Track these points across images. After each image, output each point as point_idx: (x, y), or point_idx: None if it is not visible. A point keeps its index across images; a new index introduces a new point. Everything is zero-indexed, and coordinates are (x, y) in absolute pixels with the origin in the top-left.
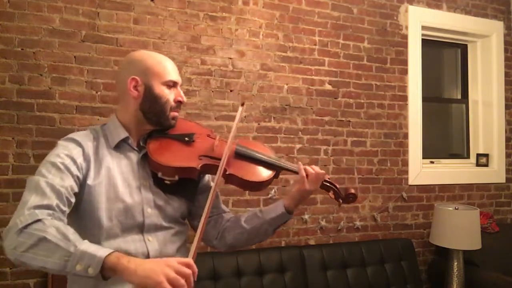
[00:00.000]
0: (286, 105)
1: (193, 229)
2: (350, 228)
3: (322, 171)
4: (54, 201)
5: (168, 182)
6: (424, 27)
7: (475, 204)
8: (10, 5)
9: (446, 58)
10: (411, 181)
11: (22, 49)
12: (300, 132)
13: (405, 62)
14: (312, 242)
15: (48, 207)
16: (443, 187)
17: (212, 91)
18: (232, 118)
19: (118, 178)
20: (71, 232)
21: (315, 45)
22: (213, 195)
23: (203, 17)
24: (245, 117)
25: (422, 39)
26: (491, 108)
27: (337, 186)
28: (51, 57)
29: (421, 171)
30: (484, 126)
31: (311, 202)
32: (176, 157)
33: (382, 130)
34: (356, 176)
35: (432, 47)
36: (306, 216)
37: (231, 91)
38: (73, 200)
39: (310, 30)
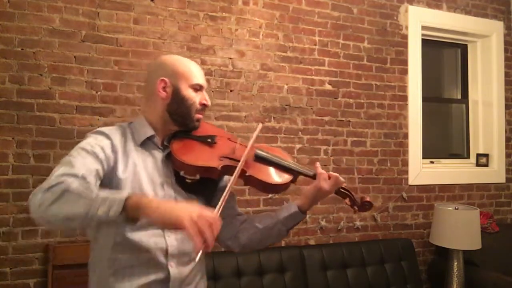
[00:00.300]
0: (286, 105)
1: None
2: (350, 228)
3: (341, 179)
4: (81, 172)
5: (189, 180)
6: (424, 27)
7: (475, 204)
8: (10, 5)
9: (446, 58)
10: (411, 181)
11: (22, 49)
12: (300, 132)
13: (405, 62)
14: (312, 242)
15: (74, 175)
16: (443, 187)
17: (212, 91)
18: (232, 118)
19: (143, 174)
20: (93, 185)
21: (315, 45)
22: (234, 180)
23: (203, 17)
24: (245, 117)
25: (422, 39)
26: (491, 108)
27: (353, 193)
28: (51, 57)
29: (421, 171)
30: (484, 126)
31: None
32: (198, 157)
33: (382, 130)
34: (356, 176)
35: (432, 47)
36: (306, 216)
37: (231, 91)
38: (98, 182)
39: (310, 30)
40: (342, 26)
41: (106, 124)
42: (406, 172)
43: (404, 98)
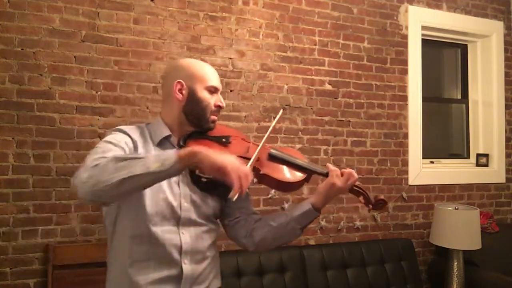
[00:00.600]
0: (286, 105)
1: (224, 228)
2: (350, 228)
3: (355, 176)
4: (114, 154)
5: (204, 179)
6: (424, 27)
7: (475, 204)
8: (10, 5)
9: (446, 58)
10: (411, 181)
11: (22, 49)
12: (300, 132)
13: (405, 62)
14: (312, 242)
15: (106, 156)
16: (443, 187)
17: None
18: (232, 118)
19: None
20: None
21: (315, 45)
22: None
23: (203, 17)
24: (245, 117)
25: (422, 39)
26: (491, 108)
27: (367, 192)
28: (51, 57)
29: (421, 171)
30: (484, 126)
31: None
32: None
33: (382, 130)
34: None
35: (432, 47)
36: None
37: (231, 91)
38: None
39: (310, 30)
40: (342, 26)
41: (106, 124)
42: (406, 172)
43: (404, 98)
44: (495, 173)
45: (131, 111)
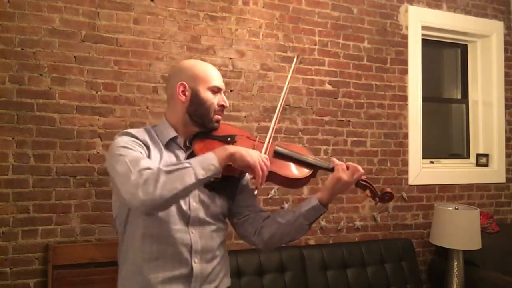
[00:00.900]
0: (286, 105)
1: (233, 227)
2: (350, 228)
3: (361, 171)
4: (148, 164)
5: (212, 179)
6: (424, 27)
7: (475, 204)
8: (10, 5)
9: (446, 58)
10: (411, 181)
11: (22, 49)
12: (300, 132)
13: (405, 62)
14: (312, 242)
15: (147, 168)
16: (443, 187)
17: None
18: (232, 118)
19: None
20: (174, 161)
21: (315, 45)
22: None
23: (203, 17)
24: (245, 117)
25: (422, 39)
26: (491, 108)
27: (373, 185)
28: (51, 57)
29: (421, 171)
30: (484, 126)
31: None
32: None
33: (382, 130)
34: None
35: (432, 47)
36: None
37: (231, 91)
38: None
39: (310, 30)
40: (342, 26)
41: (106, 124)
42: (406, 172)
43: (404, 98)
44: (495, 173)
45: (131, 111)
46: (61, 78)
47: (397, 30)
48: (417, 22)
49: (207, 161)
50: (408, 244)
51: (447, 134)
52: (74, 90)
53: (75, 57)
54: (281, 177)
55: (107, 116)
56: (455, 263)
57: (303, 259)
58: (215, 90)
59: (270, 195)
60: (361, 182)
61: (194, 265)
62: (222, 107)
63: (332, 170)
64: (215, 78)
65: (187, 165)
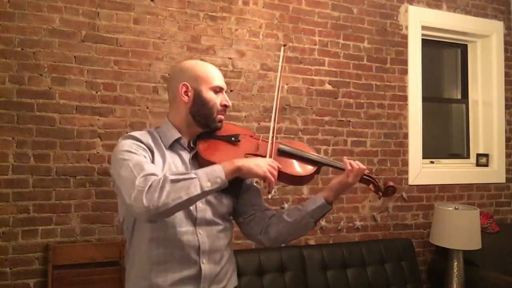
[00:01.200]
0: (286, 105)
1: (239, 226)
2: (350, 228)
3: (363, 167)
4: (153, 170)
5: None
6: (424, 27)
7: (475, 204)
8: (10, 5)
9: (446, 58)
10: (411, 181)
11: (22, 49)
12: (300, 132)
13: (405, 62)
14: (312, 242)
15: (152, 174)
16: (443, 187)
17: None
18: (232, 118)
19: None
20: (180, 170)
21: (315, 45)
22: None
23: (203, 17)
24: (245, 117)
25: (422, 39)
26: (491, 108)
27: (376, 179)
28: (51, 57)
29: (421, 171)
30: (484, 126)
31: None
32: (224, 155)
33: (382, 130)
34: None
35: (432, 47)
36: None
37: (231, 91)
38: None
39: (310, 30)
40: (342, 26)
41: (106, 124)
42: (406, 172)
43: (404, 98)
44: (495, 173)
45: (131, 111)
46: (61, 78)
47: (397, 30)
48: (417, 22)
49: (214, 174)
50: (408, 244)
51: (447, 134)
52: (74, 90)
53: (75, 57)
54: (286, 175)
55: (107, 116)
56: (455, 263)
57: (303, 259)
58: (217, 90)
59: (270, 195)
60: (364, 177)
61: (202, 265)
62: (225, 106)
63: (342, 169)
64: (217, 78)
65: (194, 175)
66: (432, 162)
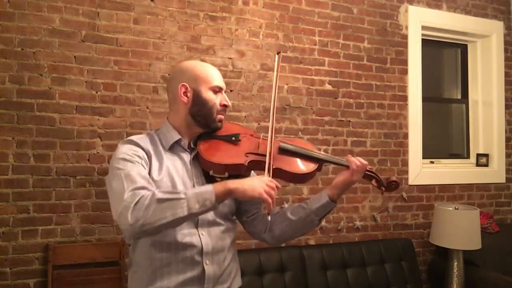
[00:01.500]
0: (286, 105)
1: (243, 225)
2: (350, 228)
3: (366, 162)
4: (143, 183)
5: (219, 179)
6: (424, 27)
7: (475, 204)
8: (10, 5)
9: (446, 58)
10: (411, 181)
11: (22, 49)
12: (300, 132)
13: (405, 62)
14: (312, 242)
15: (142, 188)
16: (443, 187)
17: None
18: (232, 118)
19: (175, 176)
20: (170, 189)
21: (315, 45)
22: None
23: (203, 17)
24: (245, 117)
25: (422, 39)
26: (491, 108)
27: (379, 175)
28: (51, 57)
29: (421, 171)
30: (484, 126)
31: None
32: (225, 155)
33: (382, 130)
34: None
35: (432, 47)
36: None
37: (231, 91)
38: (153, 185)
39: (310, 30)
40: (342, 26)
41: (106, 124)
42: (406, 172)
43: (404, 98)
44: (495, 173)
45: (131, 111)
46: (61, 78)
47: (397, 30)
48: (417, 22)
49: (204, 196)
50: (408, 244)
51: (447, 134)
52: (74, 90)
53: (75, 57)
54: (288, 173)
55: (107, 116)
56: (455, 263)
57: (303, 259)
58: (217, 90)
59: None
60: (367, 173)
61: (205, 266)
62: (225, 106)
63: (346, 166)
64: (216, 78)
65: (183, 196)
66: (432, 162)
